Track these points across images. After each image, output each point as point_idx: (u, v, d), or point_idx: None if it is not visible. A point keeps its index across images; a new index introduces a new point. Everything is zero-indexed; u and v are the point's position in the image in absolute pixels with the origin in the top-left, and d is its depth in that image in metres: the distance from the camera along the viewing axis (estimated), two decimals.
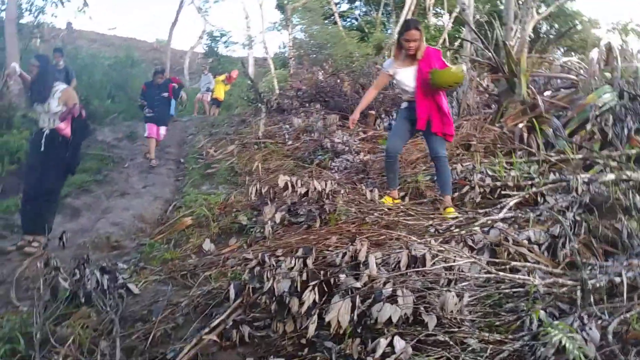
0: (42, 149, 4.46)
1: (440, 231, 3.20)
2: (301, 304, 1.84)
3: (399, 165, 4.60)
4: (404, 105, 4.46)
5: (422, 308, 2.13)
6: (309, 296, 1.78)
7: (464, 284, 2.32)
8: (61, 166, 4.61)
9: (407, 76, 4.23)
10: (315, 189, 3.48)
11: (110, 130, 10.62)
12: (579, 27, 18.50)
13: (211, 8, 42.21)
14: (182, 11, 20.66)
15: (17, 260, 4.28)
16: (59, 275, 2.66)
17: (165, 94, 8.73)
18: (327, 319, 1.73)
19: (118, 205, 6.00)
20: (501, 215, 3.30)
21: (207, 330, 2.29)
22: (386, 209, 3.88)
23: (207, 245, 4.00)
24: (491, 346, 1.96)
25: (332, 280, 1.85)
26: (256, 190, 3.85)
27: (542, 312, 1.97)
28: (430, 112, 4.10)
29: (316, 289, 1.80)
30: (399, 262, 2.24)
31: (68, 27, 17.79)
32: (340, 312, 1.71)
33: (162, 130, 8.71)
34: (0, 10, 11.01)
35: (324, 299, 1.81)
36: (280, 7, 20.54)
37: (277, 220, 3.72)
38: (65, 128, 4.49)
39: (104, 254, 4.37)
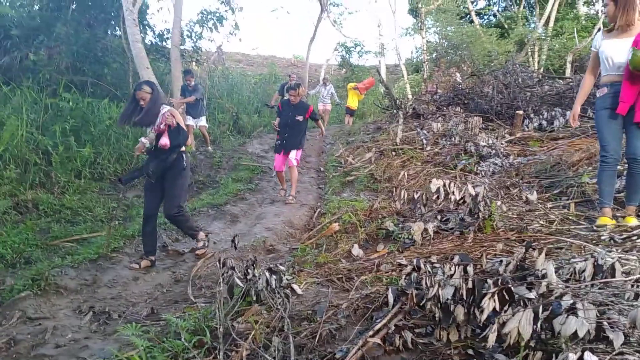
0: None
1: (619, 240, 2.87)
2: (480, 312, 1.78)
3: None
4: (604, 91, 3.56)
5: (605, 323, 1.93)
6: (489, 304, 1.71)
7: None
8: (187, 181, 4.86)
9: (617, 48, 3.43)
10: (470, 194, 3.35)
11: (258, 143, 11.49)
12: None
13: (345, 20, 43.54)
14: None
15: (191, 260, 4.84)
16: (234, 274, 2.93)
17: (300, 118, 6.86)
18: (505, 330, 1.65)
19: (270, 211, 6.45)
20: None
21: (370, 333, 2.34)
22: (550, 215, 3.59)
23: (356, 250, 4.09)
24: None
25: (508, 290, 1.75)
26: (407, 196, 3.83)
27: None
28: (636, 97, 3.38)
29: (495, 296, 1.72)
30: (578, 272, 2.04)
31: (218, 50, 19.64)
32: (521, 323, 1.62)
33: (293, 155, 6.87)
34: (166, 37, 12.59)
35: (505, 308, 1.72)
36: (413, 11, 20.40)
37: (430, 229, 3.67)
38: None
39: (261, 256, 4.72)
